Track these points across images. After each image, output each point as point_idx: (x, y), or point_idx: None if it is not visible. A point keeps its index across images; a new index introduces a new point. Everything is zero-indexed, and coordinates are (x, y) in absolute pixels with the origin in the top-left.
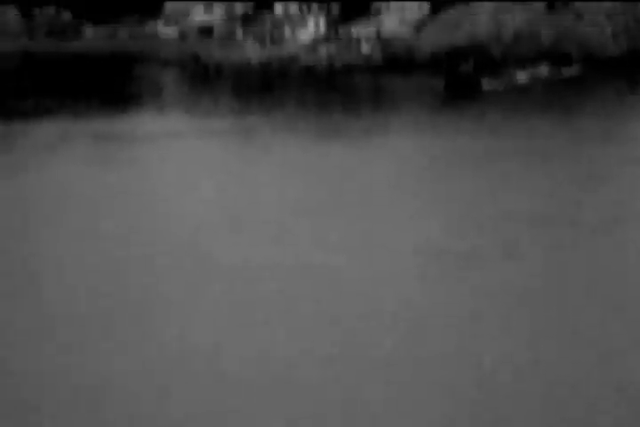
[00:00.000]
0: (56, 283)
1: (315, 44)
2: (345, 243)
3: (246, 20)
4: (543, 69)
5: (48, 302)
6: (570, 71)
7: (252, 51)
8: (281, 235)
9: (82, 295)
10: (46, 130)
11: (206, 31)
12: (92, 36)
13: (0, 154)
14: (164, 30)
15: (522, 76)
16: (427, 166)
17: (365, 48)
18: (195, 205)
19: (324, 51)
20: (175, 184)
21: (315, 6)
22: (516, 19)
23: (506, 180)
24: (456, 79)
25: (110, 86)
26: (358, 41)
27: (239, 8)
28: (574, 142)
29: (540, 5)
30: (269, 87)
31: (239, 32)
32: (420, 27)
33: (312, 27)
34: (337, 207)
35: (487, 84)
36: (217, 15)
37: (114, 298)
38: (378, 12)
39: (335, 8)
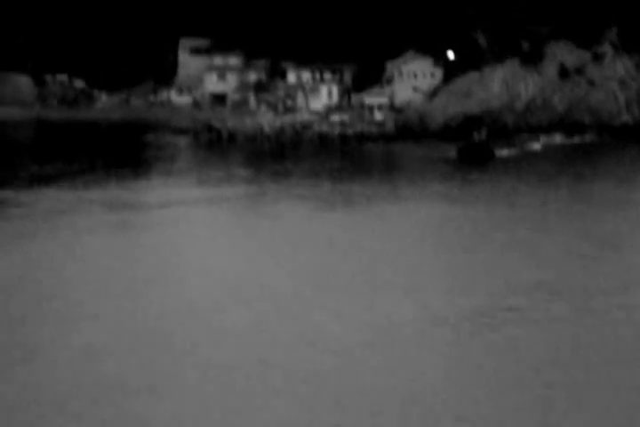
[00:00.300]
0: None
1: (327, 112)
2: (355, 312)
3: (259, 88)
4: (556, 137)
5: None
6: (583, 139)
7: (265, 118)
8: (290, 306)
9: (88, 378)
10: (58, 197)
11: (219, 99)
12: (105, 104)
13: (12, 220)
14: (177, 98)
15: (535, 144)
16: (438, 235)
17: (378, 116)
18: (205, 274)
19: (336, 119)
20: (186, 253)
21: (328, 75)
22: (528, 87)
23: (517, 248)
24: (469, 147)
25: (123, 154)
26: (371, 109)
27: (252, 76)
28: (587, 210)
29: (553, 73)
30: (282, 155)
31: (252, 100)
32: (432, 95)
33: (325, 95)
34: (346, 277)
35: (500, 151)
36: (230, 83)
37: (119, 380)
38: (390, 81)
39: (348, 76)
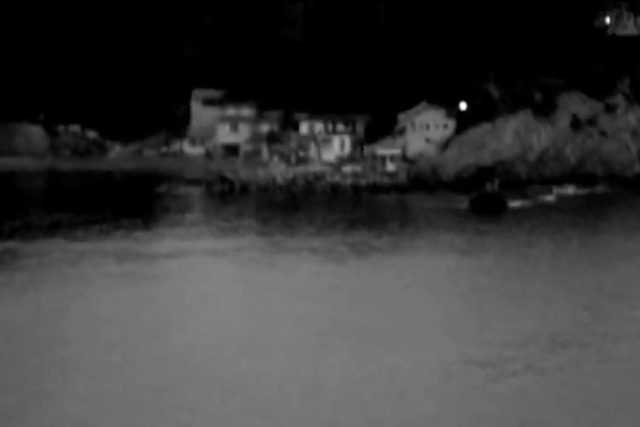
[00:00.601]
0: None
1: (340, 163)
2: (364, 362)
3: (272, 138)
4: (568, 188)
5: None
6: (595, 190)
7: (277, 169)
8: (299, 358)
9: None
10: (70, 248)
11: (232, 150)
12: (118, 155)
13: (23, 271)
14: (190, 149)
15: (547, 195)
16: (449, 287)
17: (390, 167)
18: (216, 325)
19: (348, 169)
20: (194, 305)
21: (340, 126)
22: (541, 138)
23: (528, 300)
24: (481, 198)
25: (136, 204)
26: (383, 160)
27: (265, 127)
28: (598, 262)
29: (566, 124)
30: (295, 206)
31: (265, 151)
32: (445, 146)
33: (337, 146)
34: (356, 328)
35: (512, 202)
36: (243, 134)
37: None
38: (403, 132)
39: (360, 127)
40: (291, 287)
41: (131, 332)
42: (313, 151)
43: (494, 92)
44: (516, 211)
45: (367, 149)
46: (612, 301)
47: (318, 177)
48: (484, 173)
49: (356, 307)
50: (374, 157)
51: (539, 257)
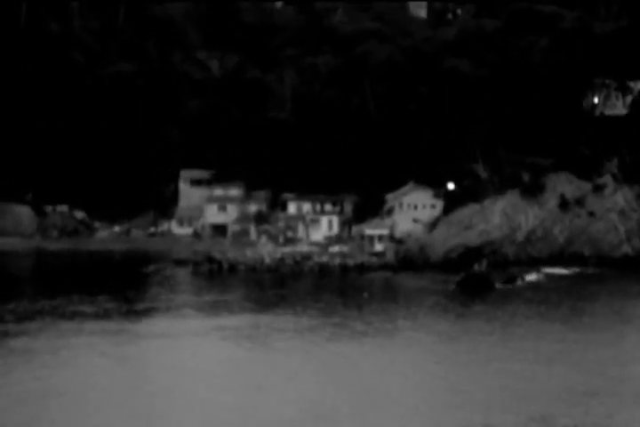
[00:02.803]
0: None
1: (328, 244)
2: None
3: (260, 219)
4: (556, 269)
5: None
6: (583, 271)
7: (265, 249)
8: None
9: None
10: (59, 328)
11: (220, 230)
12: (106, 235)
13: (14, 353)
14: (178, 229)
15: (535, 276)
16: (433, 370)
17: (378, 247)
18: (205, 406)
19: (337, 250)
20: (185, 384)
21: (328, 206)
22: (529, 218)
23: (512, 381)
24: (469, 279)
25: (124, 285)
26: (371, 240)
27: (253, 207)
28: (581, 345)
29: (554, 204)
30: (283, 286)
31: (253, 231)
32: (432, 226)
33: (325, 226)
34: (341, 407)
35: (500, 282)
36: (231, 215)
37: None
38: (390, 212)
39: (348, 208)
40: (279, 367)
41: (117, 413)
42: (301, 231)
43: (482, 172)
44: (504, 291)
45: (355, 229)
46: (594, 382)
47: (306, 257)
48: (471, 253)
49: (336, 387)
50: (362, 237)
51: (523, 338)
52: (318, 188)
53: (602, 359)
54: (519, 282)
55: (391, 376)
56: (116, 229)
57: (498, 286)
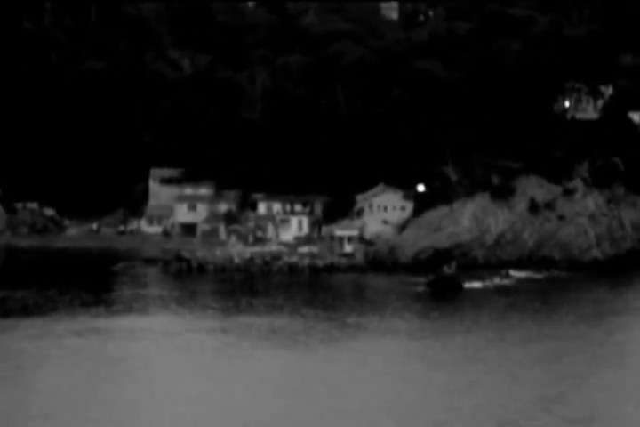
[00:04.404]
0: None
1: (298, 244)
2: None
3: (229, 218)
4: (525, 272)
5: None
6: (552, 274)
7: (234, 249)
8: None
9: None
10: (30, 325)
11: (189, 229)
12: (75, 233)
13: None
14: (148, 228)
15: (504, 278)
16: (388, 373)
17: (348, 248)
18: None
19: (306, 250)
20: (155, 383)
21: (298, 206)
22: (498, 221)
23: (474, 384)
24: (438, 280)
25: (93, 283)
26: (341, 241)
27: (223, 207)
28: (547, 348)
29: (523, 208)
30: (251, 286)
31: (222, 230)
32: (402, 227)
33: (295, 226)
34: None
35: (469, 284)
36: (200, 214)
37: None
38: (360, 213)
39: (318, 208)
40: (245, 368)
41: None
42: (271, 231)
43: (452, 175)
44: (472, 293)
45: (325, 230)
46: (553, 389)
47: (275, 257)
48: (441, 255)
49: (298, 388)
50: (332, 237)
51: (485, 342)
52: (288, 188)
53: (561, 367)
54: (488, 284)
55: (353, 379)
56: (94, 226)
57: (467, 286)
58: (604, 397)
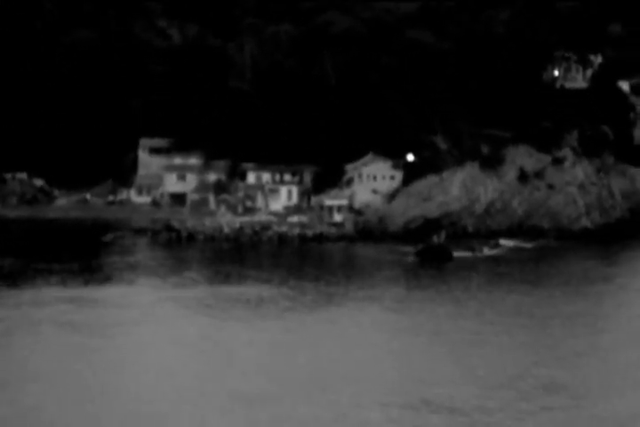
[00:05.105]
0: None
1: (287, 214)
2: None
3: (219, 188)
4: (515, 241)
5: None
6: (542, 243)
7: (224, 219)
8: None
9: None
10: (18, 295)
11: (179, 199)
12: (65, 203)
13: None
14: (137, 198)
15: (493, 248)
16: (369, 343)
17: (337, 217)
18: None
19: (295, 220)
20: (144, 354)
21: (287, 176)
22: (488, 190)
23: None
24: (427, 250)
25: (82, 253)
26: (330, 210)
27: (212, 177)
28: (527, 323)
29: (513, 177)
30: (241, 255)
31: (212, 200)
32: (391, 197)
33: (284, 196)
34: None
35: (458, 253)
36: (190, 184)
37: None
38: (350, 183)
39: (308, 178)
40: (238, 337)
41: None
42: (260, 201)
43: (442, 144)
44: (462, 262)
45: (314, 200)
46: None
47: (265, 227)
48: (430, 224)
49: (288, 355)
50: (321, 207)
51: (473, 313)
52: (278, 158)
53: (546, 342)
54: (478, 253)
55: (336, 348)
56: (87, 196)
57: (456, 255)
58: (581, 362)
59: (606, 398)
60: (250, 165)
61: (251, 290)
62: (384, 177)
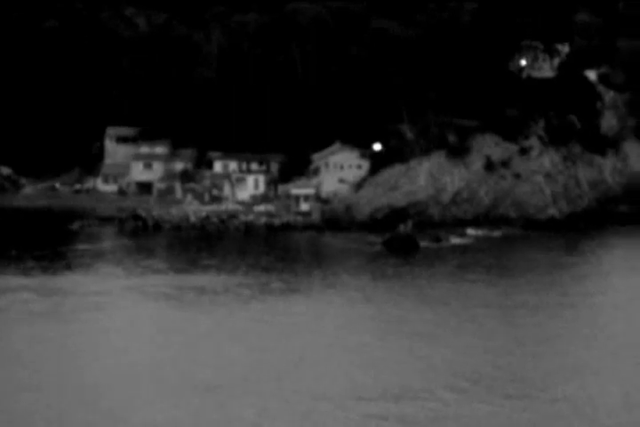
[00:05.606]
0: None
1: (254, 203)
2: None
3: (185, 177)
4: (481, 230)
5: None
6: (508, 232)
7: (190, 208)
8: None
9: None
10: None
11: (145, 187)
12: (32, 191)
13: None
14: (104, 186)
15: (460, 237)
16: (349, 330)
17: (304, 207)
18: (127, 365)
19: (262, 209)
20: (107, 343)
21: (254, 165)
22: (454, 179)
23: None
24: (394, 239)
25: (49, 241)
26: (297, 199)
27: (179, 165)
28: (501, 309)
29: (479, 166)
30: (208, 244)
31: (178, 189)
32: (358, 186)
33: (251, 185)
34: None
35: (424, 243)
36: (156, 172)
37: None
38: (317, 172)
39: (274, 167)
40: (203, 326)
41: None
42: (227, 190)
43: (408, 133)
44: (429, 251)
45: (281, 189)
46: (488, 349)
47: (232, 216)
48: (397, 213)
49: (242, 346)
50: (288, 196)
51: (434, 304)
52: (245, 146)
53: (507, 332)
54: (444, 243)
55: (295, 338)
56: (57, 185)
57: (423, 244)
58: (543, 350)
59: (565, 383)
60: (216, 153)
61: (215, 279)
62: (351, 166)
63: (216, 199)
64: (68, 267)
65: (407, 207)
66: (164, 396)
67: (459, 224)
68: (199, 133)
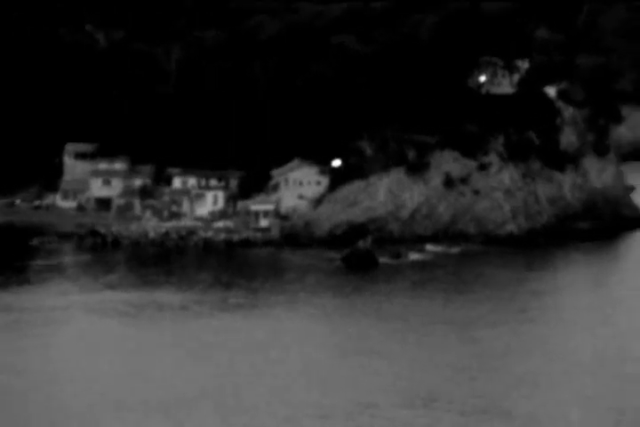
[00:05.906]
0: None
1: (213, 219)
2: None
3: (144, 193)
4: (440, 246)
5: None
6: (467, 248)
7: (149, 224)
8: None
9: None
10: None
11: (104, 204)
12: None
13: None
14: (63, 203)
15: (419, 253)
16: (304, 349)
17: (263, 223)
18: (82, 382)
19: (221, 225)
20: (61, 359)
21: (213, 181)
22: (414, 196)
23: (377, 357)
24: (353, 255)
25: (7, 257)
26: (256, 215)
27: (138, 181)
28: (459, 325)
29: (438, 182)
30: (167, 261)
31: (137, 205)
32: (317, 202)
33: (210, 201)
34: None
35: (384, 259)
36: (115, 188)
37: None
38: (276, 188)
39: (234, 183)
40: (160, 344)
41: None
42: (186, 206)
43: (367, 149)
44: (387, 268)
45: (240, 205)
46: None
47: (191, 232)
48: (356, 230)
49: (197, 360)
50: (247, 212)
51: (390, 322)
52: (204, 163)
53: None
54: (403, 259)
55: (256, 354)
56: (17, 201)
57: (381, 260)
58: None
59: (523, 398)
60: (175, 169)
61: (173, 296)
62: (310, 182)
63: (175, 215)
64: (27, 282)
65: (366, 223)
66: (119, 414)
67: (418, 240)
68: (158, 150)
